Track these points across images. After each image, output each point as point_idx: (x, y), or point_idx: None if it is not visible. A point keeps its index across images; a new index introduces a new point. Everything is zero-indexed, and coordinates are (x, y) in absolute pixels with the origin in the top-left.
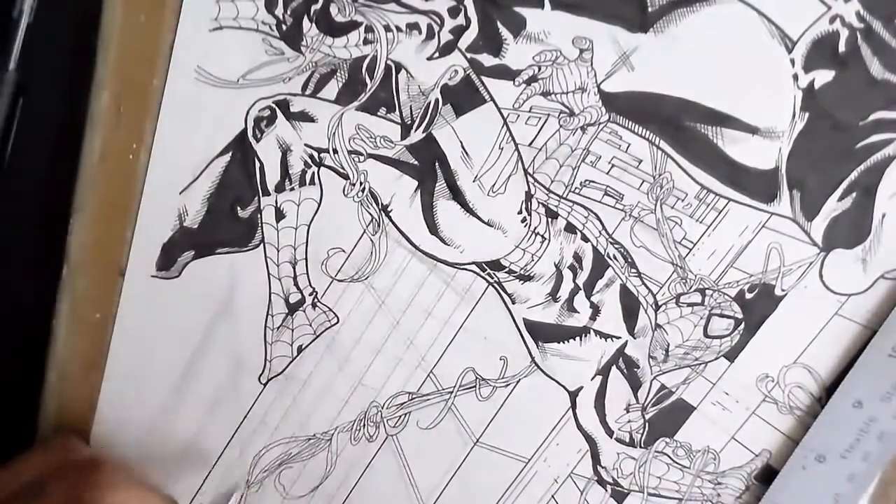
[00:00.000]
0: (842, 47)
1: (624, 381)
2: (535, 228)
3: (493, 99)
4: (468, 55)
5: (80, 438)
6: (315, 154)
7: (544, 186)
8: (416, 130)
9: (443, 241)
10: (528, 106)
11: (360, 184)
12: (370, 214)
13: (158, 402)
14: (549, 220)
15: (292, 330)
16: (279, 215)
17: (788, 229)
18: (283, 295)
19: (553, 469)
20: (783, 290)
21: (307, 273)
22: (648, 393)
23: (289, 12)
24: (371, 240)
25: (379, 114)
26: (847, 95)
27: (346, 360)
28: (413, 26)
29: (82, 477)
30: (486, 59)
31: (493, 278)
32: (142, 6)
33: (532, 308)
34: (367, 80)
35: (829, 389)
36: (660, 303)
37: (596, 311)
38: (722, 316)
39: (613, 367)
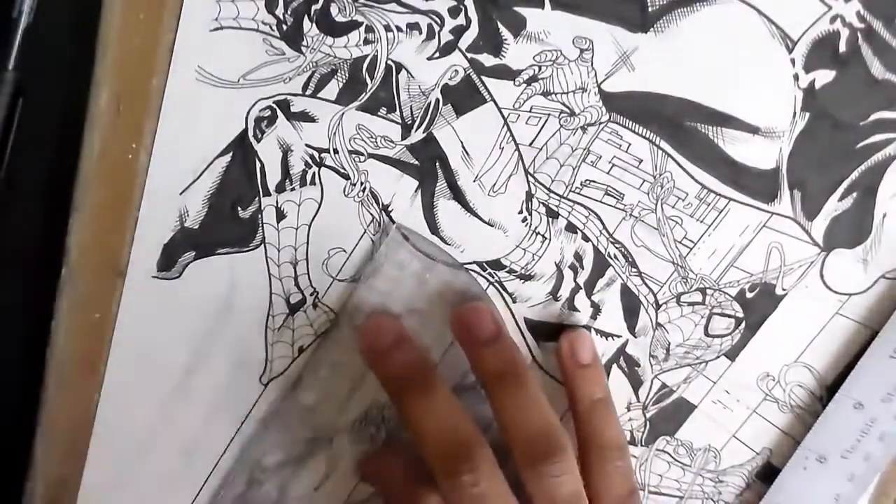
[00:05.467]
0: (842, 47)
1: (625, 380)
2: (536, 228)
3: (493, 99)
4: (468, 55)
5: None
6: (316, 154)
7: (545, 186)
8: (416, 130)
9: (443, 240)
10: (528, 106)
11: (361, 184)
12: (371, 214)
13: (159, 403)
14: (550, 219)
15: (293, 330)
16: (280, 215)
17: (789, 229)
18: (284, 295)
19: None
20: (784, 290)
21: (308, 273)
22: (649, 392)
23: (289, 12)
24: (372, 240)
25: (379, 114)
26: (848, 95)
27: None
28: (413, 26)
29: None
30: (487, 59)
31: (493, 278)
32: (141, 5)
33: (533, 307)
34: (368, 80)
35: (830, 388)
36: (660, 302)
37: (597, 310)
38: (723, 315)
39: (614, 366)
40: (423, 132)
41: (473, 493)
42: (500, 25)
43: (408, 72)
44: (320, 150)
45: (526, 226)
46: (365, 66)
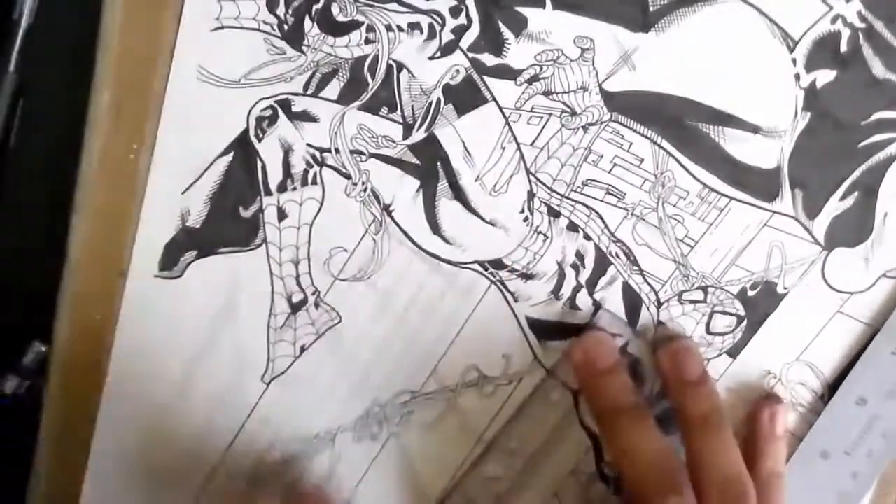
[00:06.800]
0: (843, 47)
1: None
2: (538, 227)
3: (494, 98)
4: (470, 55)
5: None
6: (317, 154)
7: (546, 186)
8: (417, 130)
9: (445, 240)
10: (529, 105)
11: (363, 183)
12: (372, 214)
13: (161, 403)
14: (552, 218)
15: (295, 329)
16: (281, 215)
17: (790, 228)
18: (286, 294)
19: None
20: (785, 288)
21: (310, 272)
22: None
23: (290, 12)
24: (373, 239)
25: (381, 113)
26: (849, 95)
27: (348, 359)
28: (415, 26)
29: None
30: (488, 59)
31: (495, 277)
32: (142, 5)
33: (535, 306)
34: (369, 79)
35: (832, 387)
36: (662, 300)
37: (598, 308)
38: (724, 313)
39: None
40: (425, 132)
41: None
42: (501, 25)
43: (409, 71)
44: (322, 150)
45: (527, 225)
46: (366, 65)
